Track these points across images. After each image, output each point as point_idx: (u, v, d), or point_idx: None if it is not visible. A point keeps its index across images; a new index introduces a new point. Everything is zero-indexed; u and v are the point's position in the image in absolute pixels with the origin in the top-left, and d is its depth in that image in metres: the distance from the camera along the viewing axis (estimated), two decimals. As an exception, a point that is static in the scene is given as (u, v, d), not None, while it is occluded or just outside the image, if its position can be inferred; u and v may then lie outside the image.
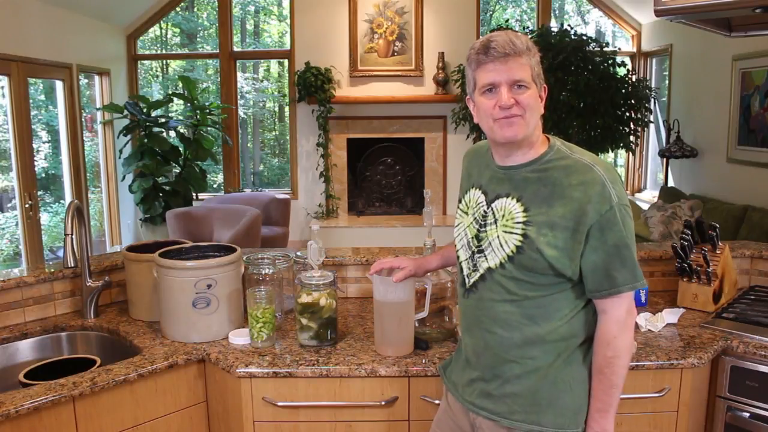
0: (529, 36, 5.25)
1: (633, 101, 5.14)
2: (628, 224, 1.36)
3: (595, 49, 5.08)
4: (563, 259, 1.35)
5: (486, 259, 1.43)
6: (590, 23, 8.59)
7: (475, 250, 1.46)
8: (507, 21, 7.99)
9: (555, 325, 1.40)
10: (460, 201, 1.58)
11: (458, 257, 1.54)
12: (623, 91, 5.08)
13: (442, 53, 6.43)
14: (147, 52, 7.68)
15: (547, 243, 1.34)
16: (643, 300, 2.25)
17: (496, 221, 1.43)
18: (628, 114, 5.16)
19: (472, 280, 1.47)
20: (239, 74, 7.36)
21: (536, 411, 1.41)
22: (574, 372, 1.43)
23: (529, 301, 1.39)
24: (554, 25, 6.55)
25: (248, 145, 8.69)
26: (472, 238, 1.48)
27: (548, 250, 1.34)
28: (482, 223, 1.46)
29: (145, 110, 5.99)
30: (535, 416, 1.41)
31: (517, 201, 1.40)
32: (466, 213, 1.53)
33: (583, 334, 1.43)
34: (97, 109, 6.31)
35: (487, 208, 1.46)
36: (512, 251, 1.38)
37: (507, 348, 1.42)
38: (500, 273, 1.40)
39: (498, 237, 1.41)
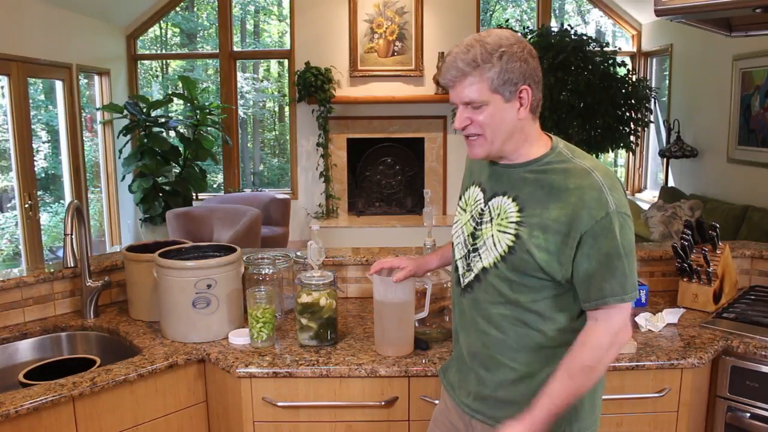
0: (529, 36, 5.25)
1: (633, 101, 5.14)
2: (626, 234, 1.30)
3: (595, 49, 5.08)
4: (553, 262, 1.32)
5: (480, 258, 1.41)
6: (590, 23, 8.59)
7: (470, 248, 1.45)
8: (507, 21, 7.98)
9: (550, 332, 1.37)
10: (460, 198, 1.56)
11: (453, 255, 1.52)
12: (623, 91, 5.07)
13: (442, 53, 6.42)
14: (147, 52, 7.68)
15: (538, 245, 1.32)
16: (643, 300, 2.25)
17: (491, 219, 1.41)
18: (628, 114, 5.16)
19: (467, 280, 1.46)
20: (239, 74, 7.36)
21: None
22: None
23: (522, 305, 1.37)
24: (554, 25, 6.54)
25: (248, 145, 8.69)
26: (468, 236, 1.46)
27: (538, 253, 1.32)
28: (479, 221, 1.44)
29: (144, 110, 5.98)
30: None
31: (513, 200, 1.38)
32: (465, 210, 1.51)
33: None
34: (97, 109, 6.31)
35: (484, 206, 1.44)
36: (504, 251, 1.36)
37: (502, 350, 1.41)
38: (494, 273, 1.39)
39: (492, 236, 1.39)
